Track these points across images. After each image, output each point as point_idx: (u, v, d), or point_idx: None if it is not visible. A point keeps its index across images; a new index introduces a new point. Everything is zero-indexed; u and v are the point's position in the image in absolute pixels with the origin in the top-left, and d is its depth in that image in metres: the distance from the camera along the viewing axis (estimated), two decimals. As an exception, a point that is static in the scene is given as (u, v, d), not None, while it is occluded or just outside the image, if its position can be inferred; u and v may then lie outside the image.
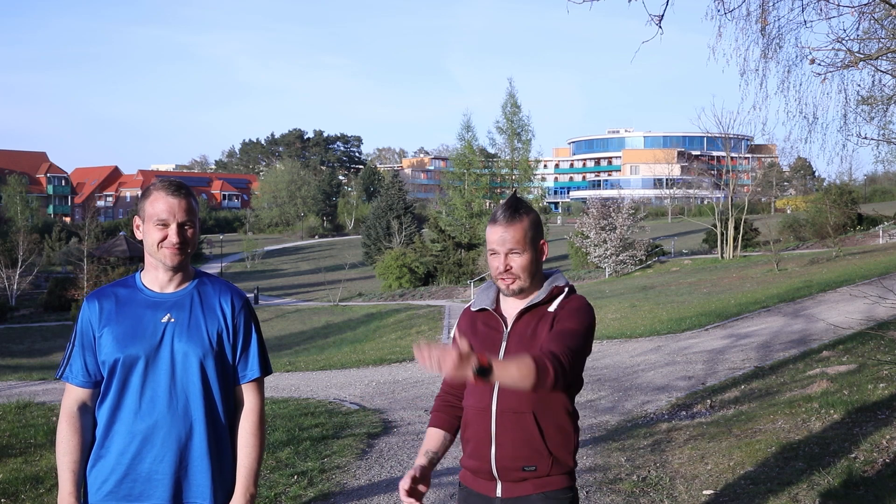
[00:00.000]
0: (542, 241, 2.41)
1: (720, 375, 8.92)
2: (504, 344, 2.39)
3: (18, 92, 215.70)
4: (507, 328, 2.40)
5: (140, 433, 2.33)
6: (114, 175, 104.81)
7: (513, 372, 2.06)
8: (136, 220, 2.43)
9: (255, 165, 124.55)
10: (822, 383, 6.93)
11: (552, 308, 2.37)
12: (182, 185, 2.43)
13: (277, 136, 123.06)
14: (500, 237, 2.36)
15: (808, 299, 15.62)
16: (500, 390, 2.35)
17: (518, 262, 2.35)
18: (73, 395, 2.39)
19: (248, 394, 2.51)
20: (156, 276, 2.43)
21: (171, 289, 2.43)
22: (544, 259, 2.44)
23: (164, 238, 2.37)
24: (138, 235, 2.43)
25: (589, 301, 2.45)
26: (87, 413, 2.40)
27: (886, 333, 8.43)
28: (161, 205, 2.36)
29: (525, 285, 2.38)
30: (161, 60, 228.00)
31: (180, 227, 2.38)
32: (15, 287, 40.80)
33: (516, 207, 2.38)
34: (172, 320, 2.39)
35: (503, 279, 2.38)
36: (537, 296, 2.40)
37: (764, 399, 7.00)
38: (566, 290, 2.42)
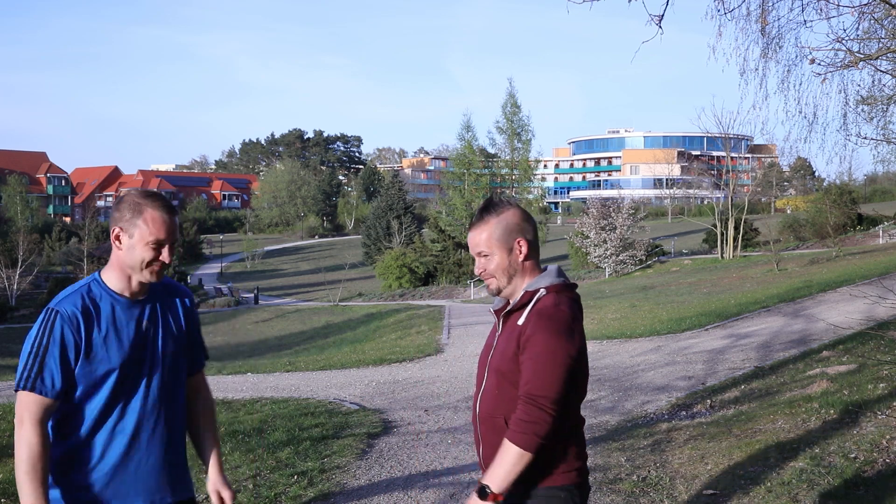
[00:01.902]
0: (516, 240, 2.37)
1: (720, 375, 8.92)
2: (494, 346, 2.45)
3: (18, 92, 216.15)
4: (499, 331, 2.45)
5: (128, 434, 2.32)
6: (114, 175, 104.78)
7: (508, 469, 2.19)
8: (117, 231, 2.32)
9: (255, 165, 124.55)
10: (822, 383, 6.92)
11: (521, 320, 2.31)
12: (170, 201, 2.40)
13: (277, 136, 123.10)
14: (471, 241, 2.42)
15: (808, 299, 15.61)
16: (481, 396, 2.42)
17: (487, 263, 2.38)
18: (41, 405, 2.22)
19: (202, 381, 2.58)
20: (127, 285, 2.37)
21: (141, 295, 2.41)
22: (523, 257, 2.38)
23: (156, 259, 2.32)
24: (117, 246, 2.33)
25: (565, 299, 2.32)
26: (48, 425, 2.29)
27: (886, 333, 8.42)
28: (161, 226, 2.31)
29: (503, 286, 2.40)
30: (161, 60, 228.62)
31: (171, 246, 2.36)
32: (15, 287, 40.83)
33: (485, 209, 2.40)
34: (150, 323, 2.39)
35: (484, 280, 2.44)
36: (515, 300, 2.39)
37: (764, 399, 7.00)
38: (539, 293, 2.33)
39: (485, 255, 2.38)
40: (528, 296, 2.34)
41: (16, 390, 2.24)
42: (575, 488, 2.35)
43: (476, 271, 2.44)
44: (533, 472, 2.28)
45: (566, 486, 2.33)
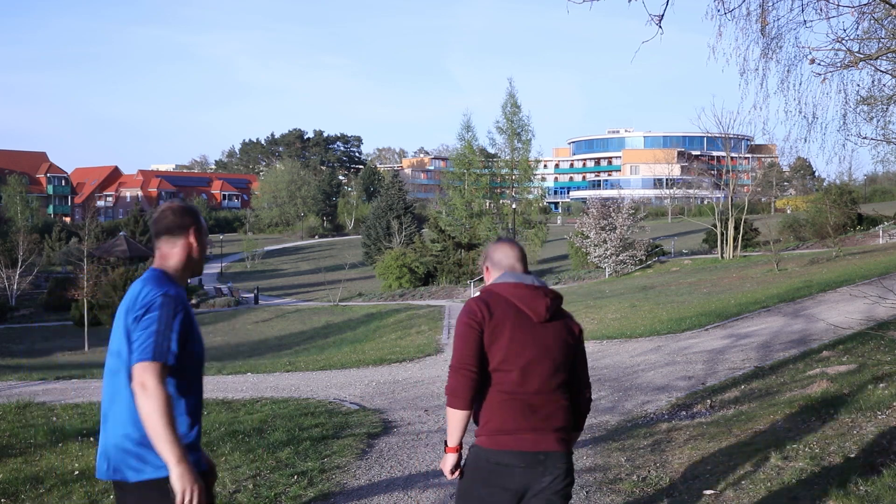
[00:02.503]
0: (485, 265, 3.07)
1: (720, 375, 8.92)
2: None
3: (18, 92, 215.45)
4: None
5: (199, 413, 2.70)
6: (114, 175, 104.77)
7: (450, 426, 2.83)
8: (196, 233, 2.76)
9: (255, 165, 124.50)
10: (822, 383, 6.93)
11: None
12: None
13: (277, 136, 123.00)
14: None
15: (808, 299, 15.62)
16: None
17: None
18: (164, 371, 2.50)
19: None
20: (185, 283, 2.83)
21: None
22: (487, 275, 3.04)
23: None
24: (195, 248, 2.76)
25: (487, 293, 2.89)
26: None
27: (886, 333, 8.43)
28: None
29: None
30: (161, 60, 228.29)
31: None
32: (15, 287, 40.81)
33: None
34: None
35: None
36: None
37: (764, 399, 7.00)
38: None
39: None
40: None
41: (151, 359, 2.45)
42: (492, 452, 2.78)
43: None
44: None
45: (474, 446, 2.84)
